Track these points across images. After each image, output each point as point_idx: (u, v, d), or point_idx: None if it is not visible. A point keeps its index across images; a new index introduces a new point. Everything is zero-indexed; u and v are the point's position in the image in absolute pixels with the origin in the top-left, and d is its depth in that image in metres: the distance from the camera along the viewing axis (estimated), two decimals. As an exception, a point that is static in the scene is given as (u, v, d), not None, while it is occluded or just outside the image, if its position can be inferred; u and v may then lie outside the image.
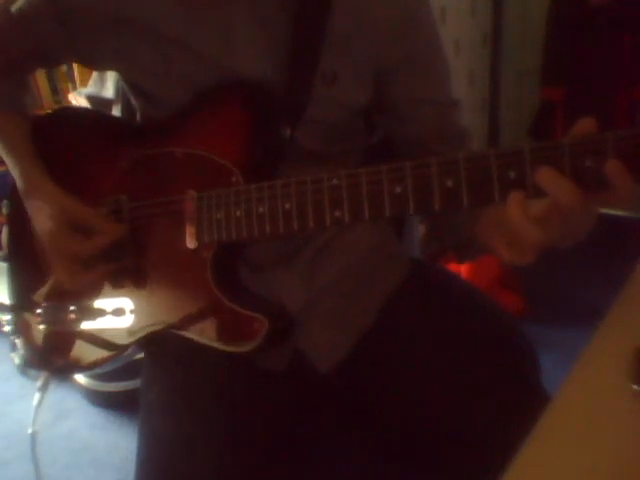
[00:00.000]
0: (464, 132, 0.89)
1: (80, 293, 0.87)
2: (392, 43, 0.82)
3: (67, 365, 0.92)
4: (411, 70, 0.84)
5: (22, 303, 0.94)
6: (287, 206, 0.70)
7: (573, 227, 0.59)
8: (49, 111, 0.98)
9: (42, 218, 0.84)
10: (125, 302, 0.84)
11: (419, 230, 1.11)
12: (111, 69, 0.97)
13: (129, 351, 0.87)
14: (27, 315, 0.92)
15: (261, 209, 0.72)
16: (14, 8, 0.89)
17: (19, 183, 0.88)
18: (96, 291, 0.86)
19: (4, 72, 0.93)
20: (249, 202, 0.73)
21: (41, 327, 0.90)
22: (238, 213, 0.74)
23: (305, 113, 0.80)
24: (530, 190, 0.56)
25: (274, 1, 0.80)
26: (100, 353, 0.88)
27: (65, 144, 0.93)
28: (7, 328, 0.96)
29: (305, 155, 0.84)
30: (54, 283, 0.88)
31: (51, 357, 0.92)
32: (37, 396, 0.96)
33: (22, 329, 0.94)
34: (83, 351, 0.89)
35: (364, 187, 0.65)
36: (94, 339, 0.87)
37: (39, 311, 0.89)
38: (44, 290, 0.88)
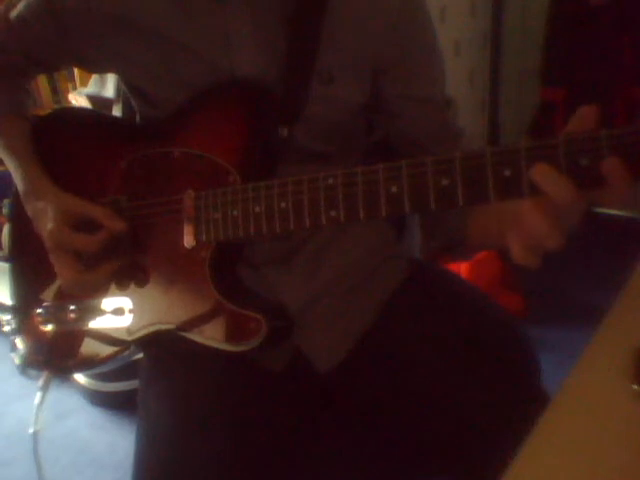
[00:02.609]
0: (459, 133, 0.89)
1: (84, 293, 0.87)
2: (389, 43, 0.82)
3: (69, 364, 0.92)
4: (408, 70, 0.84)
5: (24, 303, 0.94)
6: (283, 205, 0.70)
7: (563, 224, 0.59)
8: (48, 112, 0.98)
9: (44, 220, 0.84)
10: (124, 301, 0.84)
11: (419, 231, 1.11)
12: (111, 72, 0.97)
13: (131, 350, 0.87)
14: (30, 315, 0.92)
15: (257, 208, 0.72)
16: (13, 15, 0.89)
17: (20, 185, 0.88)
18: (99, 291, 0.86)
19: (5, 77, 0.93)
20: (246, 201, 0.73)
21: (44, 327, 0.90)
22: (235, 212, 0.74)
23: (303, 113, 0.80)
24: (525, 188, 0.56)
25: (271, 2, 0.80)
26: (102, 351, 0.88)
27: (64, 145, 0.93)
28: (7, 328, 0.96)
29: (305, 155, 0.84)
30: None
31: (53, 356, 0.93)
32: (38, 395, 0.96)
33: (24, 329, 0.94)
34: (85, 350, 0.89)
35: (360, 186, 0.65)
36: (97, 335, 0.87)
37: (39, 311, 0.89)
38: (54, 288, 0.89)
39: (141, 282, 0.83)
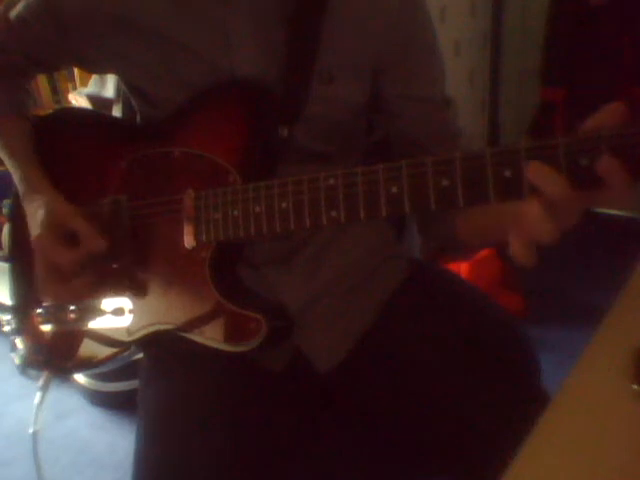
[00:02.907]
0: (457, 133, 0.89)
1: (59, 300, 0.87)
2: (389, 43, 0.82)
3: (69, 364, 0.92)
4: (408, 70, 0.84)
5: (24, 303, 0.94)
6: (284, 205, 0.70)
7: (562, 221, 0.58)
8: (48, 112, 0.98)
9: (34, 223, 0.84)
10: (124, 302, 0.84)
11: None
12: (110, 72, 0.97)
13: (131, 350, 0.87)
14: (30, 315, 0.93)
15: (258, 208, 0.72)
16: (13, 15, 0.89)
17: (19, 186, 0.89)
18: (88, 294, 0.86)
19: (5, 77, 0.93)
20: (246, 202, 0.73)
21: (44, 327, 0.90)
22: (235, 212, 0.74)
23: (303, 112, 0.80)
24: (526, 189, 0.56)
25: (271, 2, 0.80)
26: (102, 351, 0.88)
27: (64, 145, 0.93)
28: (7, 328, 0.96)
29: (305, 155, 0.84)
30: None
31: (53, 356, 0.93)
32: (38, 395, 0.96)
33: (24, 329, 0.94)
34: (85, 350, 0.89)
35: (360, 187, 0.65)
36: (96, 336, 0.87)
37: (39, 311, 0.89)
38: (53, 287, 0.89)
39: (141, 282, 0.83)
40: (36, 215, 0.84)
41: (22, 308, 0.94)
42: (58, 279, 0.84)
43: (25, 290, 0.95)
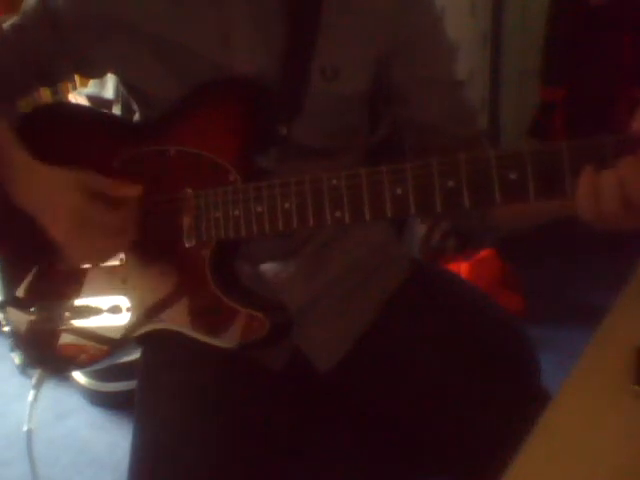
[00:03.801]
0: (475, 112, 0.88)
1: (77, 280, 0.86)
2: (391, 25, 0.81)
3: (62, 362, 0.92)
4: (413, 50, 0.83)
5: (10, 299, 0.93)
6: (286, 206, 0.70)
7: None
8: (35, 107, 0.94)
9: (58, 196, 0.79)
10: (122, 300, 0.84)
11: (419, 230, 1.11)
12: (110, 72, 0.97)
13: (126, 348, 0.87)
14: (17, 313, 0.92)
15: (260, 208, 0.72)
16: (7, 25, 0.88)
17: (13, 173, 0.83)
18: (93, 285, 0.85)
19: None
20: (247, 201, 0.73)
21: (32, 325, 0.89)
22: (236, 212, 0.74)
23: (303, 109, 0.80)
24: (532, 192, 0.56)
25: (271, 0, 0.80)
26: (99, 349, 0.87)
27: (56, 142, 0.90)
28: (7, 328, 0.95)
29: (305, 152, 0.84)
30: (36, 275, 0.88)
31: (45, 354, 0.92)
32: (31, 394, 0.96)
33: (14, 328, 0.93)
34: (81, 348, 0.89)
35: (364, 188, 0.65)
36: (91, 336, 0.87)
37: (33, 310, 0.89)
38: (25, 284, 0.88)
39: (140, 281, 0.83)
40: (57, 188, 0.79)
41: (9, 304, 0.93)
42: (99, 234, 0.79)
43: (11, 285, 0.94)
